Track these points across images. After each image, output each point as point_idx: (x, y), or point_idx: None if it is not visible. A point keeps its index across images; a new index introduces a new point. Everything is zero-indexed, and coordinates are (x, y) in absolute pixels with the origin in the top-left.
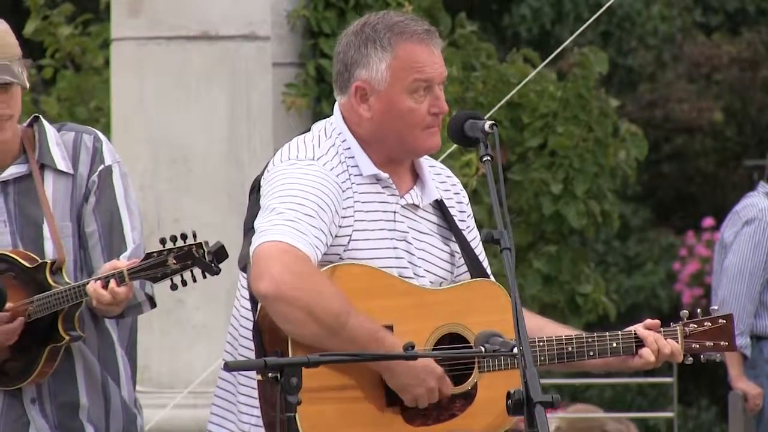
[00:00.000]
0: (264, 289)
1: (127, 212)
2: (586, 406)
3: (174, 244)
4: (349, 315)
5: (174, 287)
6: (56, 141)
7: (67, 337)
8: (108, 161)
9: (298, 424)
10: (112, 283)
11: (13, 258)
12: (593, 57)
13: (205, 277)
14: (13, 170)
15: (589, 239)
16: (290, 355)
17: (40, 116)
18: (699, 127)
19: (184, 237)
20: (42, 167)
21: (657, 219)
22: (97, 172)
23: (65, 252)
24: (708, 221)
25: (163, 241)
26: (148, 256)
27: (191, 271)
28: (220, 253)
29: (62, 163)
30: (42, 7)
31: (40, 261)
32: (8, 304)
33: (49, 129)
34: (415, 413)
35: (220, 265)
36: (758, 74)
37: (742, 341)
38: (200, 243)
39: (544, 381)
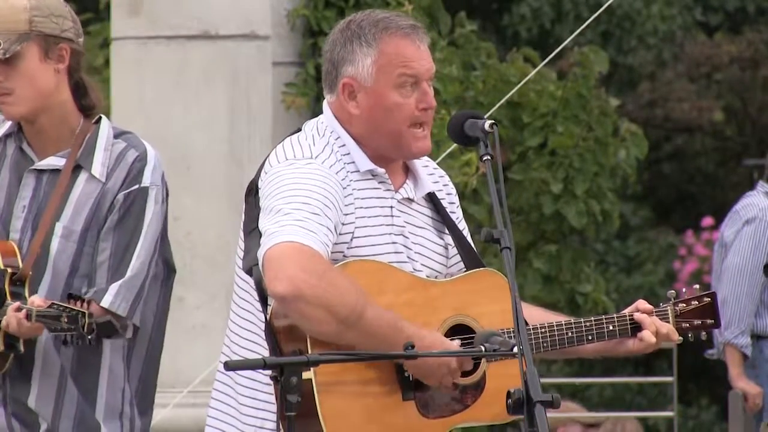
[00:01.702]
0: (282, 290)
1: (143, 239)
2: (572, 404)
3: (75, 304)
4: (367, 307)
5: (65, 342)
6: (105, 146)
7: (2, 348)
8: (146, 183)
9: (320, 419)
10: (21, 314)
11: None
12: (593, 56)
13: (83, 343)
14: (52, 161)
15: (589, 239)
16: (310, 353)
17: (104, 117)
18: (699, 127)
19: (82, 301)
20: (78, 167)
21: (657, 218)
22: (126, 191)
23: (65, 256)
24: (707, 221)
25: (70, 296)
26: (51, 305)
27: (74, 336)
28: (104, 328)
29: (98, 169)
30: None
31: (4, 268)
32: None
33: (105, 132)
34: (430, 406)
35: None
36: (759, 73)
37: (743, 340)
38: (84, 313)
39: (544, 380)
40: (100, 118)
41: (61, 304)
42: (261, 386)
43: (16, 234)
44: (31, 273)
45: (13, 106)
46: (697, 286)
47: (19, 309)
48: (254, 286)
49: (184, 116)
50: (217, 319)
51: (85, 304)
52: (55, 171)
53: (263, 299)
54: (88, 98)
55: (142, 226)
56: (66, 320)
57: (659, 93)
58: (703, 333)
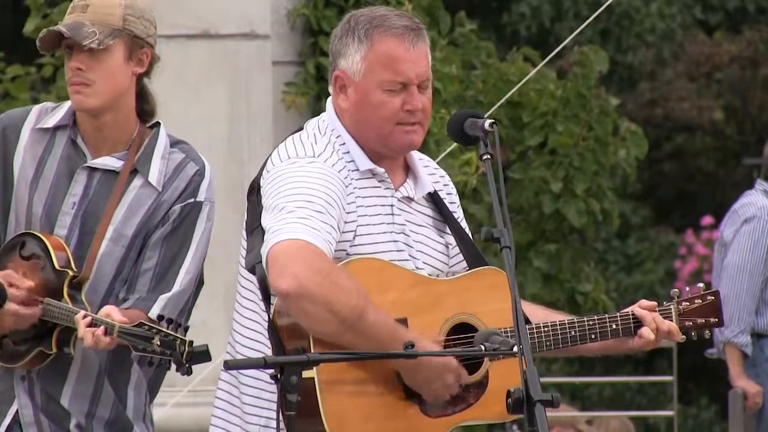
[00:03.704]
0: (287, 288)
1: (192, 254)
2: (563, 405)
3: (167, 328)
4: (367, 311)
5: (150, 363)
6: (162, 154)
7: (55, 350)
8: (201, 198)
9: (323, 418)
10: (100, 331)
11: (50, 250)
12: (593, 56)
13: (177, 371)
14: (108, 161)
15: (589, 238)
16: (312, 351)
17: (161, 124)
18: (699, 126)
19: (177, 325)
20: (134, 172)
21: (657, 217)
22: (183, 203)
23: (112, 259)
24: (707, 219)
25: (160, 319)
26: (141, 325)
27: (169, 361)
28: (201, 356)
29: (155, 177)
30: (42, 6)
31: (66, 268)
32: (28, 283)
33: (162, 139)
34: (432, 405)
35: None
36: (758, 73)
37: (743, 339)
38: (185, 340)
39: (544, 380)
40: (158, 123)
41: (153, 326)
42: (265, 385)
43: (62, 230)
44: (90, 278)
45: (89, 97)
46: (701, 285)
47: (92, 323)
48: (257, 285)
49: (183, 115)
50: (217, 318)
51: (181, 330)
52: (108, 171)
53: (266, 297)
54: (148, 105)
55: (191, 240)
56: (159, 343)
57: (659, 92)
58: (707, 331)
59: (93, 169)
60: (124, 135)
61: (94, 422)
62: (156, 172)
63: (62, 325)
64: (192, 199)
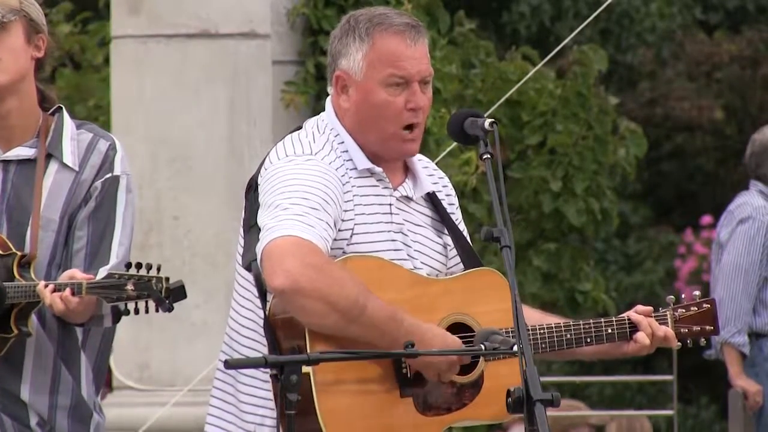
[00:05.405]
0: (281, 285)
1: (121, 226)
2: (572, 402)
3: (137, 272)
4: (367, 300)
5: (125, 312)
6: (71, 136)
7: (16, 331)
8: (117, 171)
9: (318, 417)
10: (67, 292)
11: None
12: (593, 55)
13: (157, 311)
14: (20, 152)
15: (588, 237)
16: (308, 349)
17: (63, 108)
18: (699, 125)
19: (148, 267)
20: (49, 156)
21: (657, 217)
22: (102, 179)
23: (44, 246)
24: (706, 219)
25: (128, 266)
26: (110, 276)
27: (146, 302)
28: (178, 292)
29: (69, 158)
30: (41, 5)
31: (12, 251)
32: None
33: (68, 122)
34: (428, 403)
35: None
36: (758, 72)
37: (740, 339)
38: (161, 277)
39: (543, 379)
40: (59, 108)
41: (122, 272)
42: (261, 383)
43: None
44: (37, 255)
45: None
46: (697, 293)
47: (56, 289)
48: (254, 282)
49: (184, 115)
50: (217, 317)
51: (154, 269)
52: (24, 161)
53: (263, 294)
54: (47, 95)
55: (115, 214)
56: (133, 288)
57: (659, 92)
58: (702, 339)
59: (7, 162)
60: (31, 123)
61: (57, 413)
62: (69, 153)
63: (20, 304)
64: (110, 174)
